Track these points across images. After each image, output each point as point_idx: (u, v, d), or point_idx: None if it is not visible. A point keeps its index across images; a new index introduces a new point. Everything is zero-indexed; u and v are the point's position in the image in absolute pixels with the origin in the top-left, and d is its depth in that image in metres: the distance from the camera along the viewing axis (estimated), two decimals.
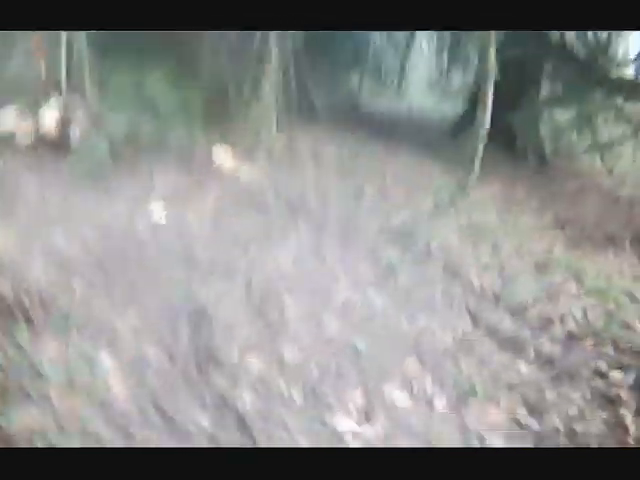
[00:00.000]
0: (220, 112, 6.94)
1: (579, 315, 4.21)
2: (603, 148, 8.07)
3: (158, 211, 4.84)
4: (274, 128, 7.36)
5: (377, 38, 13.24)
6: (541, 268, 5.16)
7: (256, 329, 3.55)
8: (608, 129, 8.10)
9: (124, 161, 5.61)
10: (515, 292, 4.55)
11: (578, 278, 4.97)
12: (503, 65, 6.51)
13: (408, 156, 8.44)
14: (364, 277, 4.66)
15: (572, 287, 4.81)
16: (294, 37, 8.04)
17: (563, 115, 8.76)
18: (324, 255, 4.91)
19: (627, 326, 4.06)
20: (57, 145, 5.51)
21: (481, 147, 6.68)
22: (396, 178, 7.34)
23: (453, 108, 11.47)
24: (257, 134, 7.09)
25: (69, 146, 5.50)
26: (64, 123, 5.73)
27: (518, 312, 4.25)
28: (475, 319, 4.16)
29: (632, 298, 4.68)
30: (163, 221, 4.79)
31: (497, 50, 6.40)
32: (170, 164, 5.83)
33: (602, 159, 8.20)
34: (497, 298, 4.48)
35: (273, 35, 7.34)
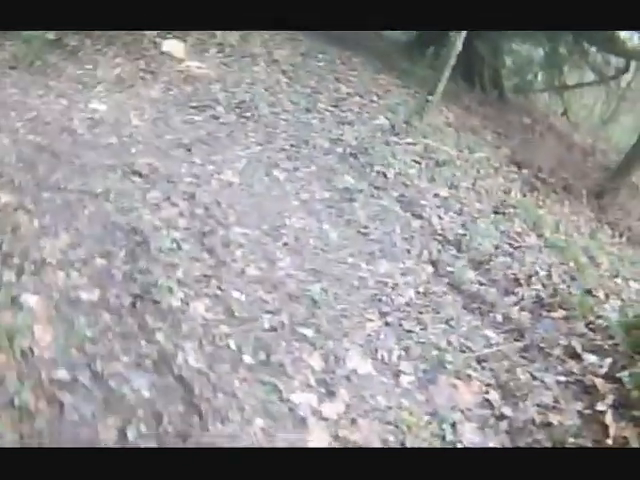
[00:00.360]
0: None
1: (544, 275, 3.77)
2: (564, 90, 7.55)
3: (98, 107, 4.01)
4: None
5: None
6: (500, 212, 4.69)
7: (199, 262, 2.85)
8: (572, 73, 7.57)
9: (69, 47, 4.69)
10: (476, 240, 4.05)
11: (537, 229, 4.55)
12: None
13: (363, 69, 7.60)
14: (317, 200, 4.02)
15: (532, 239, 4.37)
16: None
17: (529, 51, 8.12)
18: (274, 171, 4.21)
19: (591, 294, 3.66)
20: None
21: (448, 71, 6.02)
22: (350, 90, 6.57)
23: None
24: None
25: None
26: None
27: (481, 264, 3.77)
28: (437, 268, 3.64)
29: (591, 259, 4.33)
30: (103, 107, 3.96)
31: None
32: (117, 56, 4.93)
33: (562, 101, 7.69)
34: (458, 244, 3.98)
35: None
